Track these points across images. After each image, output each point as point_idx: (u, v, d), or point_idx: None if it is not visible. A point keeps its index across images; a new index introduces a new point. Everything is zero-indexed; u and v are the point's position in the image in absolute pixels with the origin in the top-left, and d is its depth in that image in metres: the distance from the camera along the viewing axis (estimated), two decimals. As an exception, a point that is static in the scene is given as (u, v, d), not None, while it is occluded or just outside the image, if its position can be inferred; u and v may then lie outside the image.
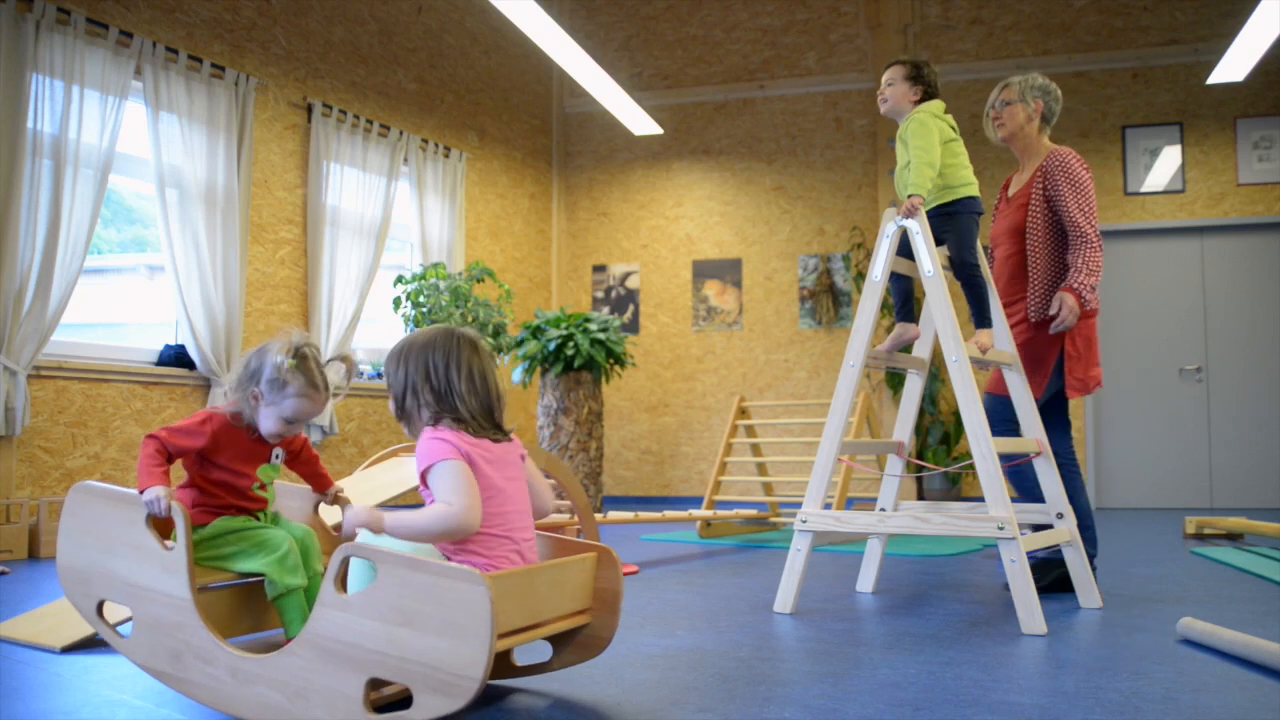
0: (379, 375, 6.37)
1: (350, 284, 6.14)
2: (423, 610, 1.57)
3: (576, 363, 6.28)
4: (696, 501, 7.68)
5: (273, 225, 5.75)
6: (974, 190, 3.01)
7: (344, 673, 1.63)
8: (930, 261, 2.85)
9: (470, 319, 6.00)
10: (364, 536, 1.85)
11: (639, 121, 7.38)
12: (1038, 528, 3.18)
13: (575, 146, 8.66)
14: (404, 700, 1.62)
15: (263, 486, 2.04)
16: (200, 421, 1.95)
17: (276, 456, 2.06)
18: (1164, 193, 7.41)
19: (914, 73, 3.02)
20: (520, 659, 2.08)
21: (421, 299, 5.92)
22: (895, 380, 7.54)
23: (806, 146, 8.11)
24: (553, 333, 6.33)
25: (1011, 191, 3.42)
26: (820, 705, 1.85)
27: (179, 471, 2.00)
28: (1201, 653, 2.30)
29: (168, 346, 5.16)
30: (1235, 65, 6.40)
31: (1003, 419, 3.20)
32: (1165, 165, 7.40)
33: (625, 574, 3.72)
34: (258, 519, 2.02)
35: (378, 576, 1.62)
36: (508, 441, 1.90)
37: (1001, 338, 3.12)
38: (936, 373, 7.29)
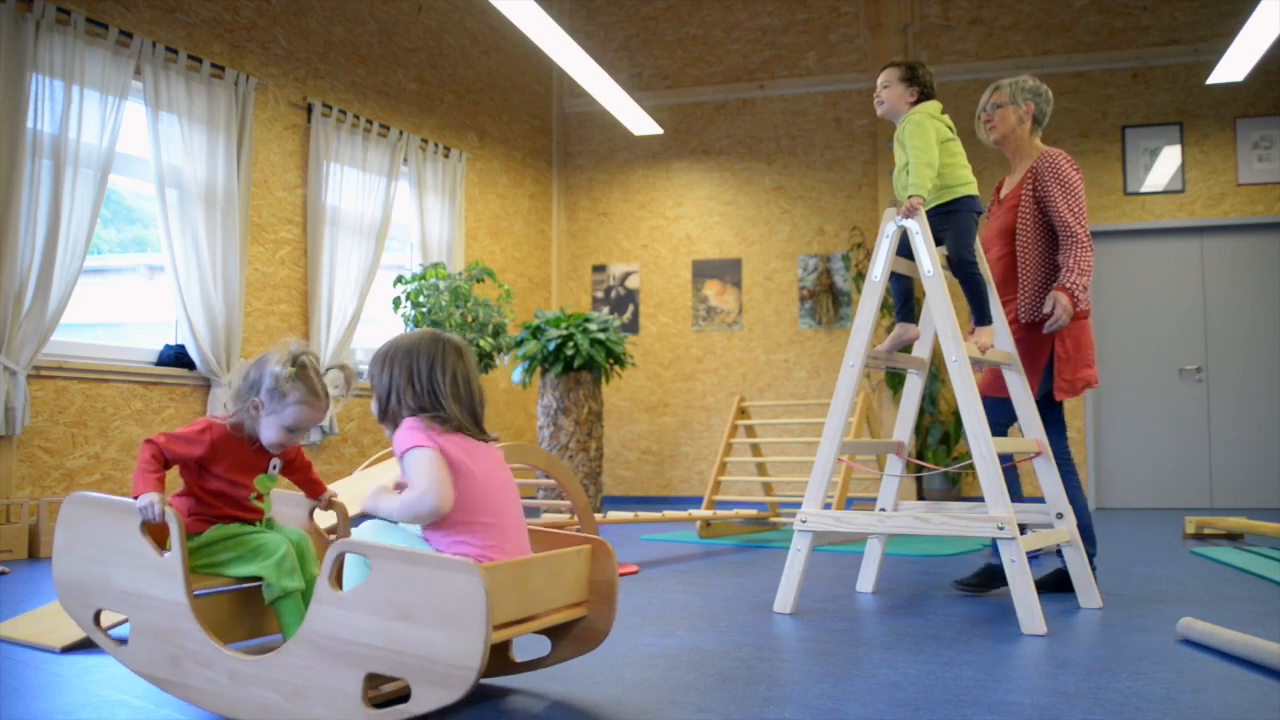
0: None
1: (350, 284, 6.14)
2: (418, 603, 1.58)
3: (576, 363, 6.28)
4: (696, 501, 7.68)
5: (273, 225, 5.75)
6: (973, 189, 3.02)
7: (341, 669, 1.64)
8: (930, 261, 2.85)
9: (470, 319, 6.00)
10: (362, 532, 1.86)
11: (639, 121, 7.38)
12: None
13: (575, 146, 8.66)
14: (405, 697, 1.62)
15: (259, 497, 2.04)
16: (200, 430, 1.95)
17: (274, 467, 2.06)
18: (1164, 193, 7.41)
19: (909, 74, 3.03)
20: (519, 655, 2.08)
21: (421, 299, 5.92)
22: (895, 380, 7.54)
23: (806, 146, 8.11)
24: (553, 333, 6.33)
25: (1003, 193, 3.42)
26: (820, 705, 1.85)
27: (176, 480, 2.00)
28: (1201, 653, 2.30)
29: (168, 346, 5.16)
30: (1235, 65, 6.40)
31: (993, 422, 3.20)
32: (1165, 165, 7.40)
33: (626, 574, 3.72)
34: (255, 528, 2.03)
35: (372, 572, 1.63)
36: (490, 442, 1.92)
37: (1001, 337, 3.13)
38: (936, 373, 7.29)
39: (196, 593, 1.84)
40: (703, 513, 4.96)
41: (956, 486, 7.40)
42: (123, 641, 1.91)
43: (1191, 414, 7.35)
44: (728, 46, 8.31)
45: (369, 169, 6.33)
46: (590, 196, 8.58)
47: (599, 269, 8.50)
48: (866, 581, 3.30)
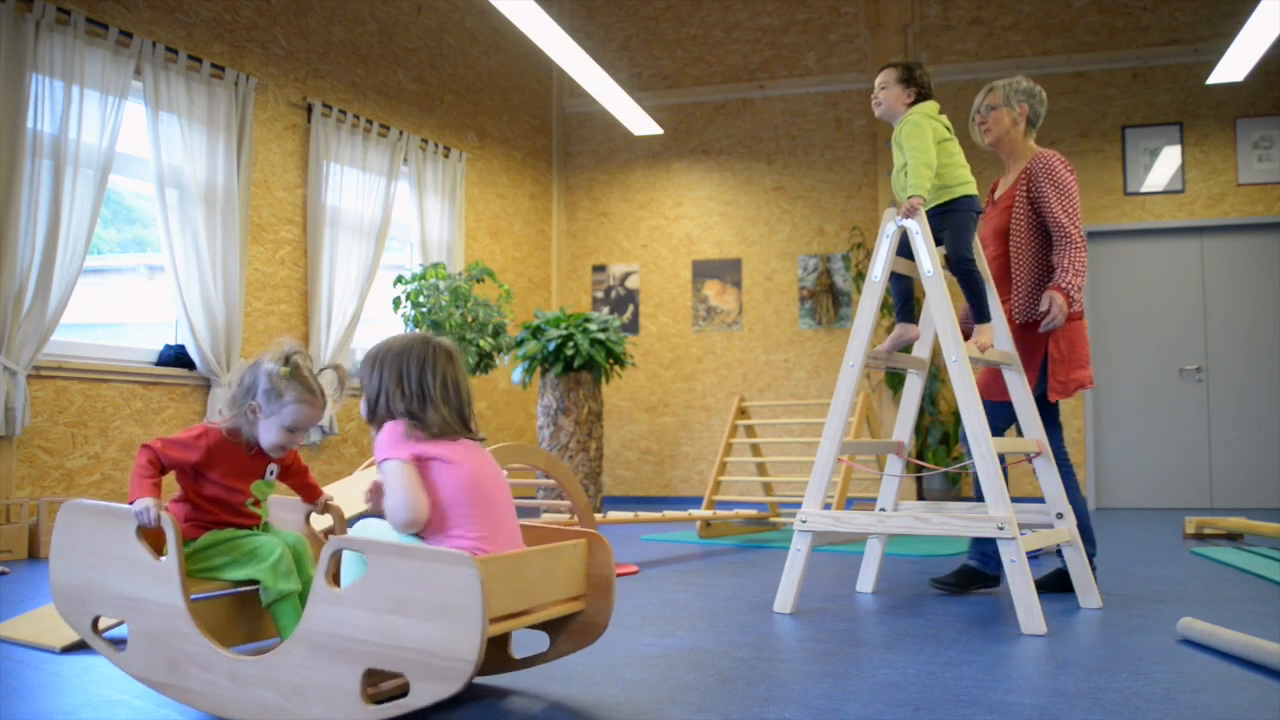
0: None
1: (350, 284, 6.14)
2: (414, 597, 1.59)
3: (576, 363, 6.28)
4: (696, 501, 7.68)
5: (273, 225, 5.75)
6: (971, 189, 3.01)
7: (340, 666, 1.64)
8: (930, 261, 2.85)
9: (470, 319, 6.00)
10: (359, 529, 1.87)
11: (639, 121, 7.38)
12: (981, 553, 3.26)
13: (575, 146, 8.66)
14: (403, 695, 1.62)
15: (256, 503, 2.04)
16: (196, 435, 1.95)
17: (270, 473, 2.06)
18: (1164, 193, 7.41)
19: (906, 75, 3.02)
20: (518, 652, 2.08)
21: (421, 299, 5.92)
22: (895, 380, 7.54)
23: (806, 146, 8.11)
24: (553, 333, 6.33)
25: (997, 194, 3.43)
26: (820, 705, 1.85)
27: (172, 487, 2.00)
28: (1201, 653, 2.30)
29: (168, 346, 5.16)
30: (1235, 65, 6.40)
31: (989, 426, 3.19)
32: (1165, 165, 7.40)
33: (626, 574, 3.72)
34: (250, 532, 2.02)
35: (368, 568, 1.64)
36: (478, 441, 1.93)
37: (1001, 335, 3.13)
38: (936, 373, 7.29)
39: (193, 597, 1.84)
40: (703, 513, 4.96)
41: (956, 486, 7.40)
42: (121, 642, 1.91)
43: (1191, 414, 7.35)
44: (728, 46, 8.31)
45: (369, 169, 6.33)
46: (590, 196, 8.58)
47: (599, 269, 8.50)
48: (866, 581, 3.30)
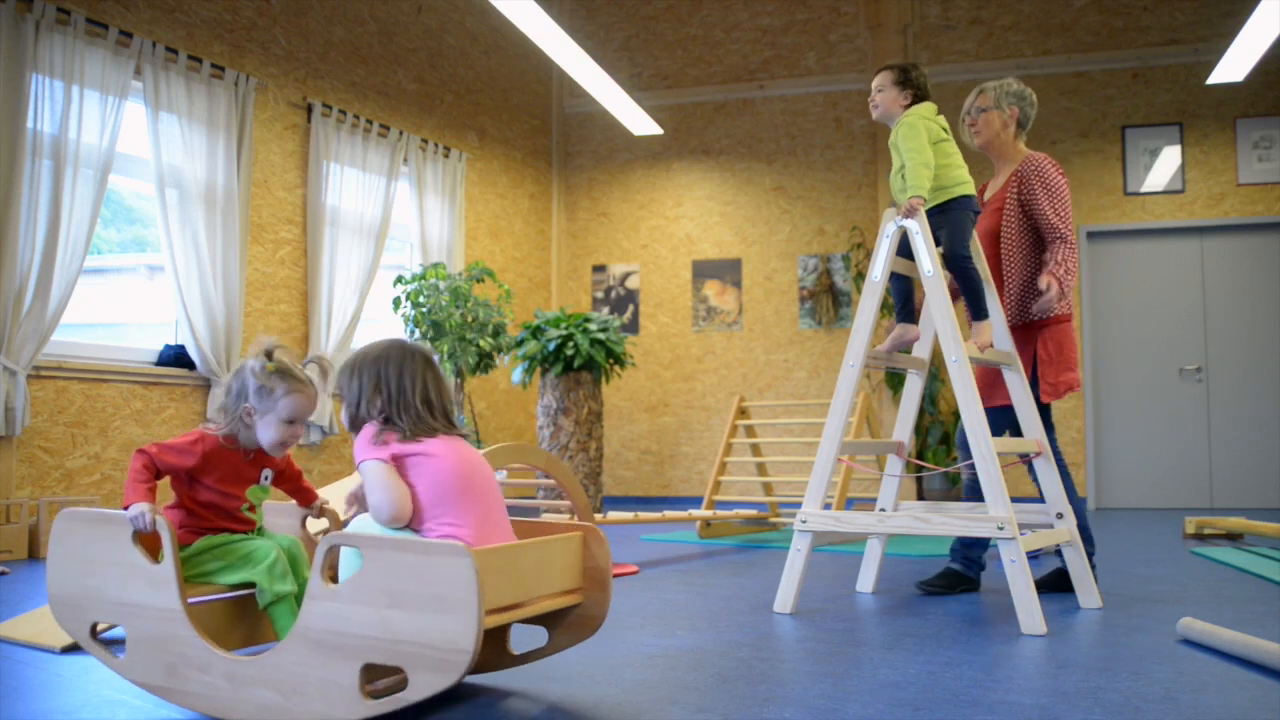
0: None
1: (350, 284, 6.14)
2: (410, 589, 1.59)
3: (576, 363, 6.28)
4: (696, 501, 7.68)
5: (273, 225, 5.75)
6: (969, 189, 3.01)
7: (338, 662, 1.64)
8: (930, 262, 2.85)
9: (470, 319, 6.00)
10: (355, 527, 1.87)
11: (639, 121, 7.38)
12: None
13: (575, 146, 8.66)
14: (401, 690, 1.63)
15: (251, 508, 2.04)
16: (192, 441, 1.95)
17: (265, 478, 2.06)
18: (1164, 193, 7.41)
19: (902, 77, 3.02)
20: (516, 648, 2.08)
21: (421, 299, 5.92)
22: (895, 380, 7.54)
23: (806, 146, 8.11)
24: (553, 333, 6.33)
25: (986, 196, 3.43)
26: (820, 705, 1.85)
27: (166, 494, 2.00)
28: (1201, 653, 2.30)
29: (168, 346, 5.16)
30: (1235, 65, 6.40)
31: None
32: (1165, 165, 7.40)
33: (626, 574, 3.72)
34: (245, 536, 2.02)
35: (364, 563, 1.65)
36: (460, 437, 1.96)
37: (1000, 334, 3.13)
38: (936, 373, 7.29)
39: (190, 600, 1.85)
40: (703, 513, 4.96)
41: (956, 486, 7.40)
42: (117, 643, 1.91)
43: (1191, 414, 7.35)
44: (728, 46, 8.31)
45: (369, 169, 6.33)
46: (590, 196, 8.58)
47: (599, 269, 8.50)
48: (866, 581, 3.30)
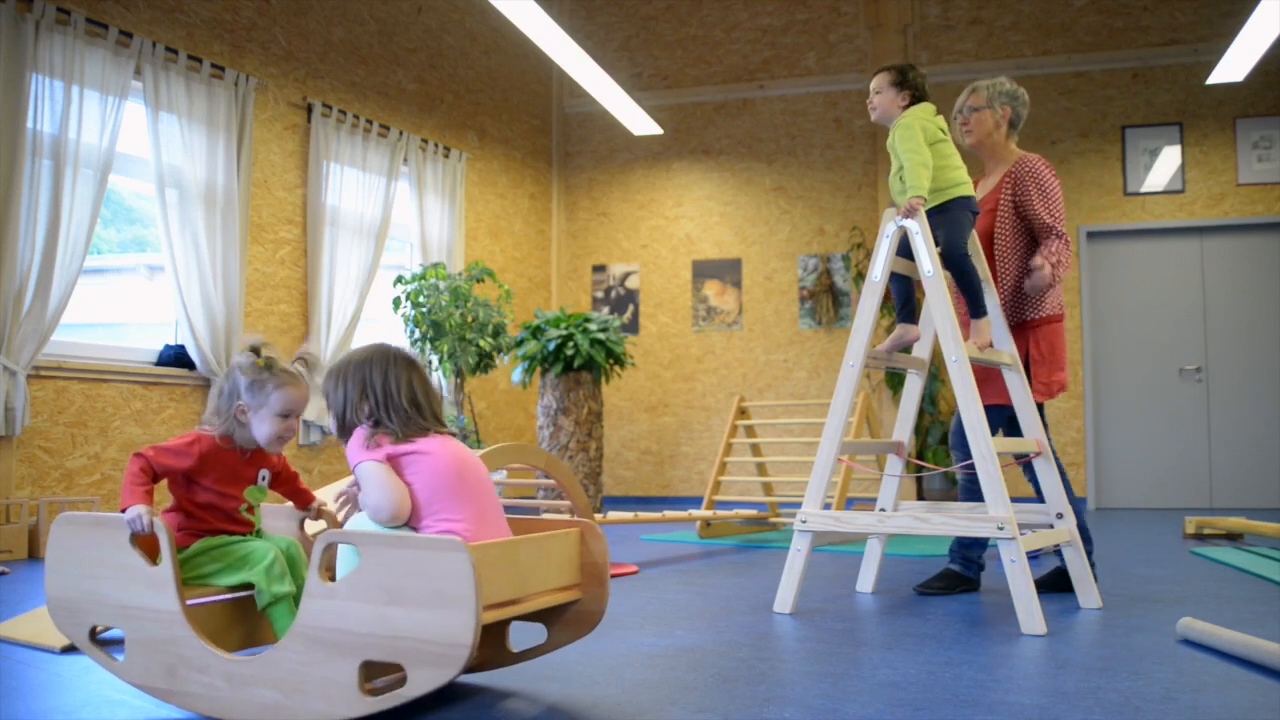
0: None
1: (350, 284, 6.14)
2: (408, 585, 1.60)
3: (576, 363, 6.28)
4: (696, 501, 7.68)
5: (273, 225, 5.75)
6: (967, 190, 3.00)
7: (337, 660, 1.65)
8: (930, 261, 2.85)
9: (470, 319, 6.00)
10: (352, 525, 1.87)
11: (639, 121, 7.38)
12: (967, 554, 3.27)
13: (575, 146, 8.66)
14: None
15: (250, 509, 2.04)
16: (188, 443, 1.95)
17: (263, 479, 2.06)
18: (1164, 193, 7.41)
19: (899, 78, 3.02)
20: (516, 646, 2.08)
21: (421, 299, 5.92)
22: (895, 380, 7.54)
23: (806, 146, 8.11)
24: (553, 333, 6.33)
25: (979, 196, 3.42)
26: (820, 705, 1.85)
27: (164, 497, 2.00)
28: (1201, 653, 2.30)
29: (167, 346, 5.16)
30: (1235, 65, 6.40)
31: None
32: (1165, 165, 7.40)
33: (626, 574, 3.72)
34: (243, 538, 2.02)
35: (361, 559, 1.65)
36: (450, 435, 1.97)
37: (1000, 334, 3.13)
38: (936, 373, 7.29)
39: (189, 602, 1.85)
40: (703, 513, 4.96)
41: (956, 486, 7.39)
42: (114, 644, 1.91)
43: (1191, 414, 7.35)
44: (728, 46, 8.31)
45: (369, 169, 6.33)
46: (590, 196, 8.58)
47: (599, 269, 8.50)
48: (866, 581, 3.30)
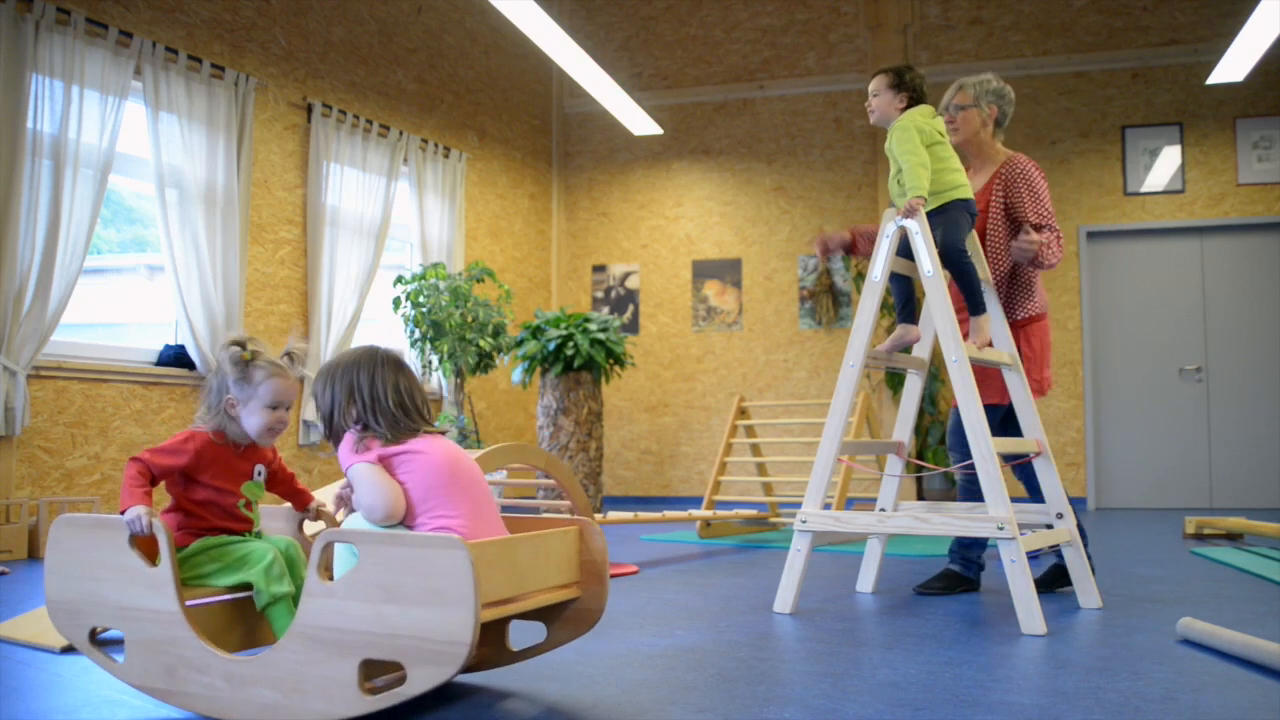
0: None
1: (350, 284, 6.14)
2: (406, 584, 1.60)
3: (576, 363, 6.28)
4: (696, 501, 7.68)
5: (272, 225, 5.75)
6: (966, 193, 2.99)
7: (336, 659, 1.65)
8: (930, 262, 2.85)
9: (470, 319, 6.00)
10: (351, 521, 1.88)
11: (639, 121, 7.38)
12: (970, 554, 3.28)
13: (575, 146, 8.66)
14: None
15: (248, 505, 2.04)
16: (182, 440, 1.96)
17: (259, 474, 2.07)
18: (1164, 193, 7.41)
19: (896, 80, 3.01)
20: (515, 645, 2.08)
21: (421, 299, 5.92)
22: (895, 380, 7.54)
23: (806, 146, 8.11)
24: (552, 333, 6.33)
25: None
26: (820, 705, 1.85)
27: (163, 499, 2.00)
28: (1201, 653, 2.30)
29: (167, 346, 5.16)
30: (1235, 65, 6.40)
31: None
32: (1165, 165, 7.40)
33: (626, 574, 3.72)
34: (242, 538, 2.02)
35: (360, 558, 1.65)
36: (439, 434, 1.98)
37: (1000, 334, 3.13)
38: (936, 373, 7.29)
39: (189, 603, 1.85)
40: (703, 513, 4.96)
41: (956, 486, 7.40)
42: (113, 644, 1.91)
43: (1191, 414, 7.35)
44: (728, 46, 8.31)
45: (369, 169, 6.33)
46: (590, 196, 8.58)
47: (599, 269, 8.50)
48: (866, 581, 3.30)
